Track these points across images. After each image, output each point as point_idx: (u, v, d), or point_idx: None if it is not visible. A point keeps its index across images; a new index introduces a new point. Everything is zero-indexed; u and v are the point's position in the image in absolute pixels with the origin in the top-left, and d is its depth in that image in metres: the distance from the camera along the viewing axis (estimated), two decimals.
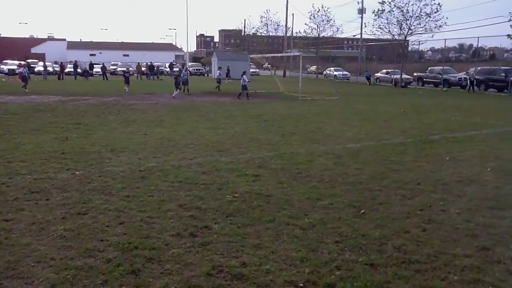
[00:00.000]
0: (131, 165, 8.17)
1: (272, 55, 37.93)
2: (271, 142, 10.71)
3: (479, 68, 35.77)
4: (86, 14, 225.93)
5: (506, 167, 8.42)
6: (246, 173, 7.70)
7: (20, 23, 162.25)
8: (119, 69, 58.52)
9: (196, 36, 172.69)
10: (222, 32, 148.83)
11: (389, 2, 36.72)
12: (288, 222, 5.43)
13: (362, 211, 5.86)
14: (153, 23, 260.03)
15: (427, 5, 35.48)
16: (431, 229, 5.28)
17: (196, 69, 59.49)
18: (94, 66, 51.06)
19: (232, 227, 5.22)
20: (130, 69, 35.56)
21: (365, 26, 73.69)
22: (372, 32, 43.20)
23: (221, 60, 50.34)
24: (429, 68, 41.68)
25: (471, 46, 75.54)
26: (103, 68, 45.96)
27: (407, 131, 12.73)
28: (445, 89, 35.26)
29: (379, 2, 37.23)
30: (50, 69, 48.80)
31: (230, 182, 7.13)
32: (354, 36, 62.74)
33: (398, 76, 40.65)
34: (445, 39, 43.73)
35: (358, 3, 64.93)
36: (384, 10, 36.94)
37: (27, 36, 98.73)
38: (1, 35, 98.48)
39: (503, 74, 31.91)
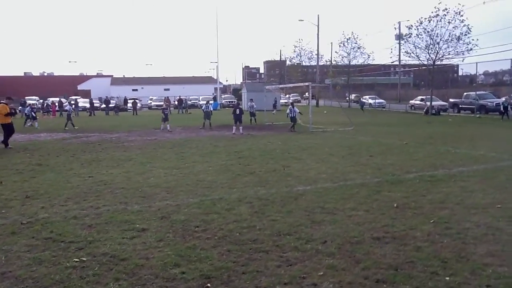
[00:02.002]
0: (22, 216, 7.40)
1: (283, 85, 36.89)
2: (212, 185, 9.66)
3: None
4: (132, 51, 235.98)
5: (457, 217, 6.89)
6: (135, 227, 6.69)
7: (69, 61, 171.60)
8: (153, 103, 59.73)
9: (242, 68, 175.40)
10: (266, 63, 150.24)
11: (416, 27, 35.07)
12: None
13: (207, 285, 4.68)
14: (197, 57, 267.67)
15: (457, 27, 33.49)
16: None
17: (229, 101, 59.48)
18: (128, 101, 52.24)
19: None
20: (167, 103, 35.04)
21: (391, 52, 71.69)
22: (396, 57, 41.04)
23: (250, 92, 50.02)
24: (465, 94, 39.12)
25: None
26: (134, 103, 46.76)
27: (382, 169, 11.26)
28: (478, 116, 32.72)
29: (406, 27, 35.72)
30: (86, 105, 50.36)
31: (102, 240, 6.15)
32: (392, 62, 60.42)
33: (433, 103, 38.38)
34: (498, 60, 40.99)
35: (395, 28, 63.49)
36: (411, 34, 35.27)
37: (77, 74, 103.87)
38: (54, 74, 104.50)
39: None
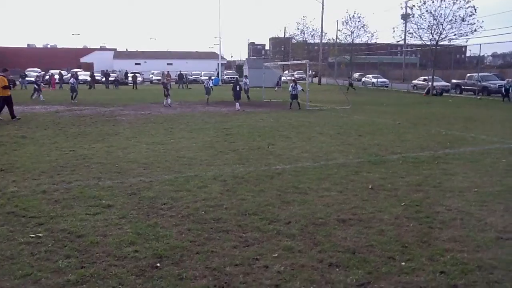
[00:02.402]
0: None
1: (282, 63, 36.34)
2: (192, 162, 9.55)
3: None
4: (137, 25, 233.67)
5: (429, 200, 6.75)
6: (101, 203, 6.60)
7: (73, 34, 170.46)
8: (154, 78, 59.39)
9: (248, 45, 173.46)
10: (271, 40, 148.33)
11: (419, 7, 34.32)
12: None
13: (157, 264, 4.59)
14: (201, 32, 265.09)
15: (461, 8, 32.71)
16: None
17: (231, 77, 58.91)
18: (129, 75, 51.90)
19: None
20: (168, 78, 34.79)
21: (393, 32, 69.74)
22: (400, 37, 40.37)
23: (252, 68, 49.55)
24: (468, 75, 38.55)
25: None
26: (134, 77, 46.42)
27: (367, 149, 11.09)
28: (479, 97, 32.26)
29: (408, 7, 34.96)
30: (86, 78, 50.05)
31: (64, 216, 6.06)
32: (398, 42, 59.32)
33: (435, 83, 37.89)
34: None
35: (402, 8, 62.28)
36: (414, 14, 34.55)
37: (81, 47, 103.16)
38: (57, 46, 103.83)
39: None
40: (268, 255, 4.82)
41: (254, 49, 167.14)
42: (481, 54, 50.23)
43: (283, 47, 79.15)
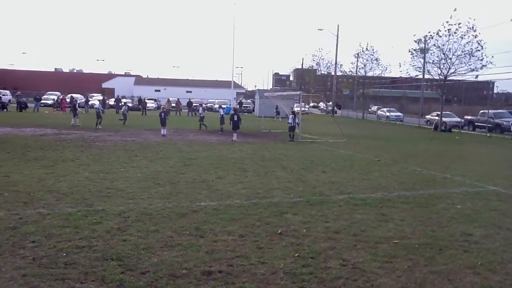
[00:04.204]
0: None
1: (279, 93, 35.76)
2: (115, 194, 8.94)
3: None
4: (161, 52, 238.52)
5: (331, 252, 5.89)
6: None
7: (97, 60, 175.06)
8: (149, 105, 59.29)
9: (272, 75, 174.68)
10: (295, 70, 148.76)
11: (425, 41, 33.51)
12: None
13: None
14: (223, 61, 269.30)
15: (470, 42, 31.68)
16: None
17: (244, 106, 58.76)
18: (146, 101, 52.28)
19: None
20: (162, 105, 34.53)
21: (400, 66, 68.10)
22: (407, 72, 39.39)
23: (262, 98, 49.24)
24: (480, 111, 37.07)
25: None
26: (143, 103, 46.62)
27: (318, 187, 10.25)
28: (488, 135, 30.82)
29: (414, 41, 34.24)
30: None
31: None
32: (416, 76, 58.04)
33: (447, 119, 36.63)
34: None
35: (419, 43, 61.38)
36: (421, 48, 33.68)
37: (106, 72, 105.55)
38: (83, 71, 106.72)
39: None
40: None
41: (278, 79, 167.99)
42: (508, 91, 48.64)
43: (301, 78, 79.15)
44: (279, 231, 6.78)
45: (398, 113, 51.81)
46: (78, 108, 29.22)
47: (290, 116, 23.63)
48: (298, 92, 28.21)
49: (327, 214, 7.92)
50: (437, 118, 40.82)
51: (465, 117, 38.37)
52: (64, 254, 5.57)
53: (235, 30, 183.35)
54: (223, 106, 39.02)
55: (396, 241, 6.44)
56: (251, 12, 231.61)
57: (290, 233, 6.72)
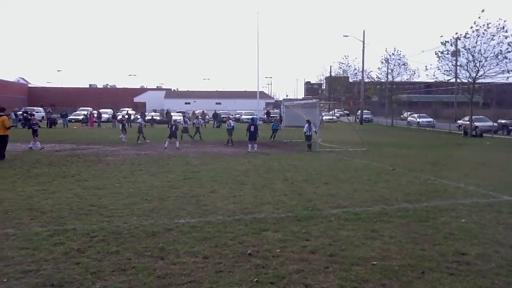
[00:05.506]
0: None
1: (298, 102, 35.06)
2: (95, 212, 8.62)
3: None
4: (192, 65, 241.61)
5: (296, 276, 5.30)
6: None
7: (129, 75, 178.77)
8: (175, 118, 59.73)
9: (304, 84, 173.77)
10: (327, 79, 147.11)
11: (452, 43, 32.21)
12: None
13: None
14: (253, 71, 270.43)
15: (501, 43, 30.18)
16: None
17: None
18: (172, 114, 52.79)
19: None
20: (175, 118, 34.20)
21: (426, 69, 65.25)
22: (434, 76, 37.86)
23: (287, 108, 48.62)
24: None
25: None
26: (168, 116, 46.98)
27: (313, 201, 9.62)
28: None
29: (441, 43, 32.91)
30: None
31: None
32: (449, 80, 55.96)
33: (479, 124, 35.05)
34: None
35: (452, 45, 59.38)
36: (448, 50, 32.41)
37: (138, 87, 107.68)
38: (116, 86, 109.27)
39: None
40: None
41: (310, 88, 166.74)
42: None
43: (330, 86, 78.09)
44: (249, 251, 6.22)
45: (429, 119, 50.09)
46: (125, 124, 29.66)
47: (306, 125, 22.89)
48: (314, 101, 27.41)
49: (311, 231, 7.30)
50: (468, 122, 39.16)
51: (499, 121, 36.56)
52: (5, 280, 5.21)
53: (259, 40, 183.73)
54: (230, 116, 38.32)
55: (374, 263, 5.76)
56: (278, 22, 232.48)
57: (261, 254, 6.15)
